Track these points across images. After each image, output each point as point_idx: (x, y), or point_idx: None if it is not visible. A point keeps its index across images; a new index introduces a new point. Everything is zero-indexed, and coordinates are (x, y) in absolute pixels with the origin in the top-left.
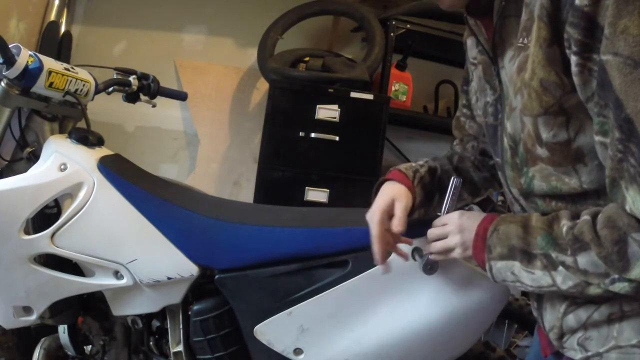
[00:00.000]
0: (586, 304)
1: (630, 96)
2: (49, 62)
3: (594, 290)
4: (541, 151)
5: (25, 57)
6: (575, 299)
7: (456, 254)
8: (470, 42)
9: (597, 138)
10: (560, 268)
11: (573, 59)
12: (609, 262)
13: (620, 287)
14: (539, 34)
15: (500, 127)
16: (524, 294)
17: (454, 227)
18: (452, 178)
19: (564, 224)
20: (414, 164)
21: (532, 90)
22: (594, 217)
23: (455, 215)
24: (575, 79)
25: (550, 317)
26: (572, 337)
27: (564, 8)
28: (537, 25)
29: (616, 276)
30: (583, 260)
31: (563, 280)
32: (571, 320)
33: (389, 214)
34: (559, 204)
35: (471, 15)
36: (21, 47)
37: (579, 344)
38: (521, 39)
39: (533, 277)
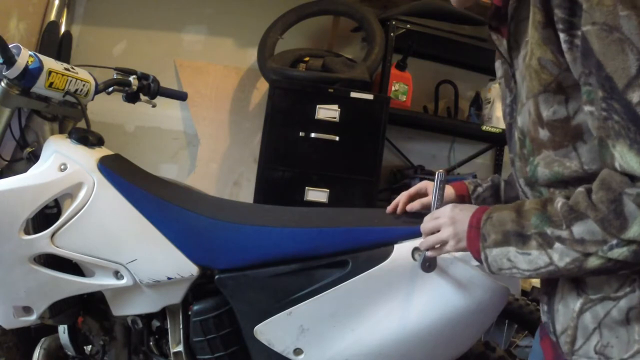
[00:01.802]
0: (604, 301)
1: (608, 57)
2: (49, 62)
3: (592, 263)
4: (543, 133)
5: (25, 57)
6: (590, 296)
7: (449, 246)
8: (497, 64)
9: (587, 108)
10: (557, 244)
11: (561, 36)
12: (606, 222)
13: (619, 252)
14: (534, 18)
15: (514, 123)
16: (524, 293)
17: (447, 219)
18: (437, 173)
19: (558, 201)
20: (480, 181)
21: (532, 70)
22: (588, 188)
23: (447, 208)
24: (567, 56)
25: (564, 318)
26: (587, 343)
27: None
28: (532, 11)
29: (614, 242)
30: (579, 229)
31: (560, 257)
32: (588, 318)
33: (417, 196)
34: (562, 192)
35: (493, 31)
36: (21, 47)
37: (598, 352)
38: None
39: (529, 259)
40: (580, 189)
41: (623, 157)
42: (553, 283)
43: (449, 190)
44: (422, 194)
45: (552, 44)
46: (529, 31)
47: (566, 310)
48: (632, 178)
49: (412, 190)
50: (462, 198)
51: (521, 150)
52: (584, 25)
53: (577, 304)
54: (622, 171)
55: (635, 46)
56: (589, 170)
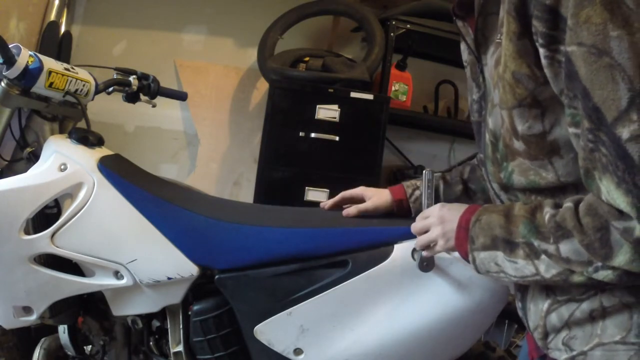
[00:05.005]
0: (568, 302)
1: (596, 85)
2: (49, 62)
3: (577, 278)
4: (518, 144)
5: (25, 57)
6: (557, 298)
7: (439, 246)
8: (462, 47)
9: (571, 130)
10: (543, 256)
11: (541, 51)
12: (591, 249)
13: (604, 275)
14: (509, 28)
15: (484, 123)
16: None
17: (435, 219)
18: (424, 172)
19: (547, 212)
20: (418, 182)
21: (506, 83)
22: (577, 204)
23: (436, 207)
24: (547, 71)
25: (534, 316)
26: (557, 337)
27: (530, 2)
28: (506, 19)
29: (599, 264)
30: (565, 248)
31: (546, 268)
32: (554, 318)
33: (353, 201)
34: (539, 197)
35: (458, 18)
36: (21, 47)
37: (564, 344)
38: (499, 35)
39: (516, 267)
40: (569, 204)
41: (610, 193)
42: None
43: (386, 196)
44: (358, 200)
45: (528, 56)
46: (503, 42)
47: (536, 309)
48: (619, 211)
49: (347, 193)
50: (400, 202)
51: (494, 155)
52: (569, 45)
53: (545, 304)
54: (608, 204)
55: (627, 73)
56: (565, 182)
